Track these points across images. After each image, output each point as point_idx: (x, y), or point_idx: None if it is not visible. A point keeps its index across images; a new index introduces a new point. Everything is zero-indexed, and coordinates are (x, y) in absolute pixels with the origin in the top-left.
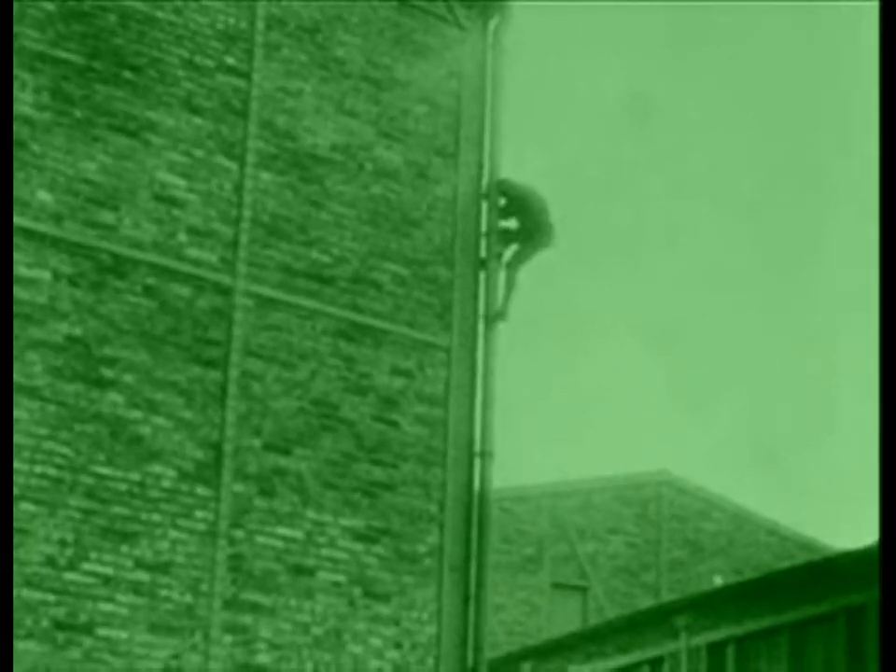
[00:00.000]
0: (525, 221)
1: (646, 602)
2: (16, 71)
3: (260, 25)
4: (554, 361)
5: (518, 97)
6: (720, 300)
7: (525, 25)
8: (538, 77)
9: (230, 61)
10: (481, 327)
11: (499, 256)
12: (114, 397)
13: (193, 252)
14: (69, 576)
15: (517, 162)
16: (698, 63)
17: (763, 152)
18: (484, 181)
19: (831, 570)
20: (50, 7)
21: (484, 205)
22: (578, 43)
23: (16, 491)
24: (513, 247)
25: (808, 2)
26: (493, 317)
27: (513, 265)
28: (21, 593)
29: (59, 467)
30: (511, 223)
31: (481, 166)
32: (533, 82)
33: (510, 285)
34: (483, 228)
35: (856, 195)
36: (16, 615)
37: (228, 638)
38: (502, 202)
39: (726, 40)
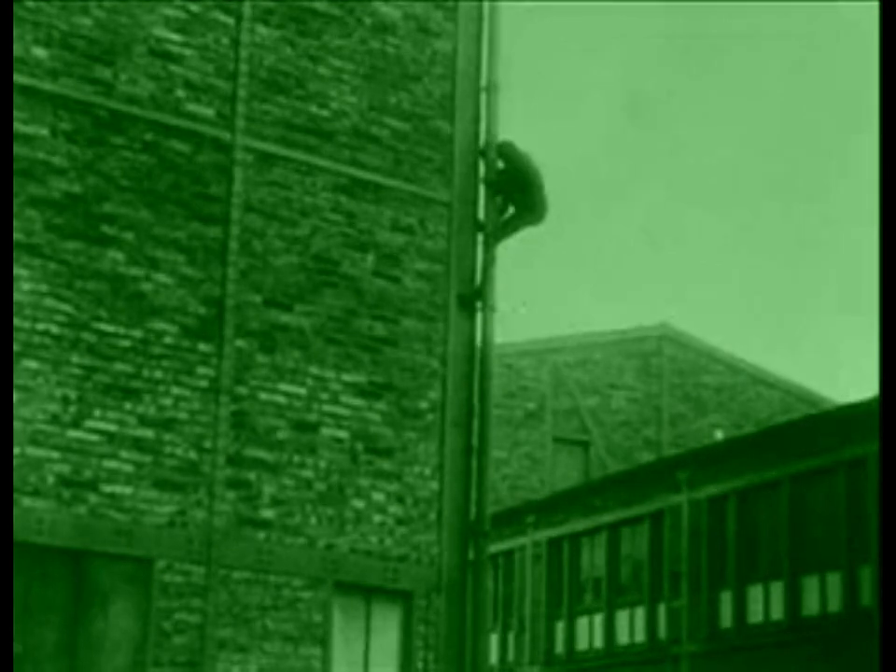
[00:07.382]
0: (520, 195)
1: (647, 457)
2: None
3: None
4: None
5: (516, 97)
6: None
7: (525, 25)
8: (537, 76)
9: None
10: (481, 181)
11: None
12: (114, 254)
13: (191, 107)
14: (73, 433)
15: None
16: (697, 62)
17: (761, 151)
18: (485, 33)
19: (831, 423)
20: None
21: (485, 57)
22: (577, 42)
23: (18, 348)
24: (505, 215)
25: (808, 2)
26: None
27: (498, 235)
28: (25, 450)
29: (61, 324)
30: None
31: (480, 19)
32: (532, 81)
33: (490, 259)
34: (484, 83)
35: (855, 192)
36: (21, 472)
37: (231, 494)
38: (500, 164)
39: (726, 39)
